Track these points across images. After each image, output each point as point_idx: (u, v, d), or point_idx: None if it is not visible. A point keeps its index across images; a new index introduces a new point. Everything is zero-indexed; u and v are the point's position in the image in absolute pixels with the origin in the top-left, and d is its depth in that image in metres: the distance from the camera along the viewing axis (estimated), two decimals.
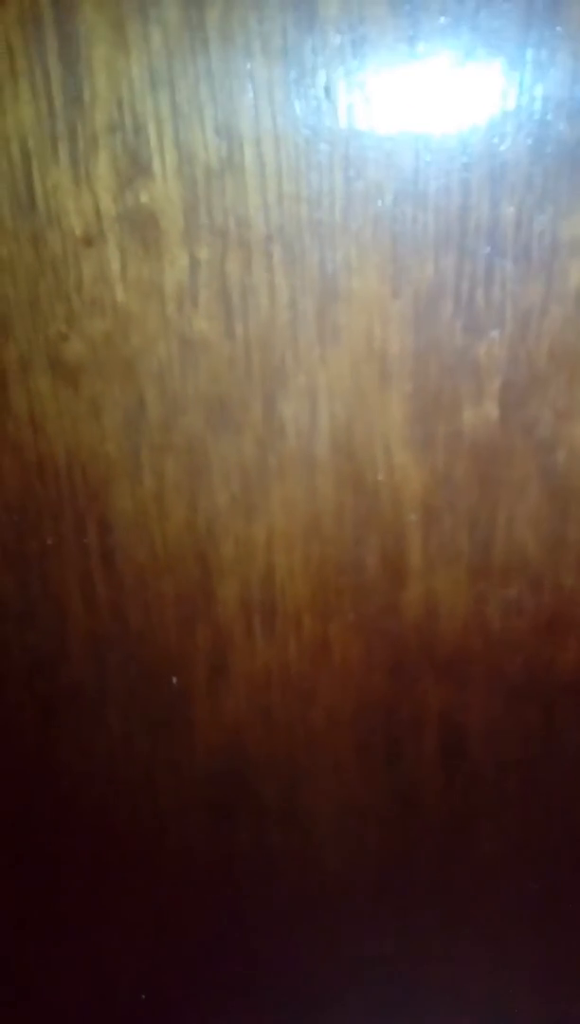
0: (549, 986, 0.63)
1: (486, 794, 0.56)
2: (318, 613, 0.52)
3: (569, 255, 0.42)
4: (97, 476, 0.50)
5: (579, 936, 0.61)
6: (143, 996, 0.67)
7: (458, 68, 0.39)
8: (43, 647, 0.55)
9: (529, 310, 0.43)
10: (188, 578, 0.52)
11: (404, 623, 0.52)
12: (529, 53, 0.38)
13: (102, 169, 0.42)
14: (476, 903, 0.60)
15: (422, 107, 0.40)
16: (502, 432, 0.46)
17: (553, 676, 0.53)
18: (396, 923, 0.62)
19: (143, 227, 0.43)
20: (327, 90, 0.40)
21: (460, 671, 0.53)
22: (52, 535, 0.51)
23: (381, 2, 0.38)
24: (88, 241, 0.44)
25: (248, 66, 0.40)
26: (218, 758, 0.57)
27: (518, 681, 0.53)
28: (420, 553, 0.50)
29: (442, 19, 0.38)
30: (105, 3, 0.40)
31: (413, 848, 0.59)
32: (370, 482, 0.48)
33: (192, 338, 0.45)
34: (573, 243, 0.42)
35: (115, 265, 0.44)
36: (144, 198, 0.42)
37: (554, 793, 0.56)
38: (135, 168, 0.42)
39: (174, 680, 0.55)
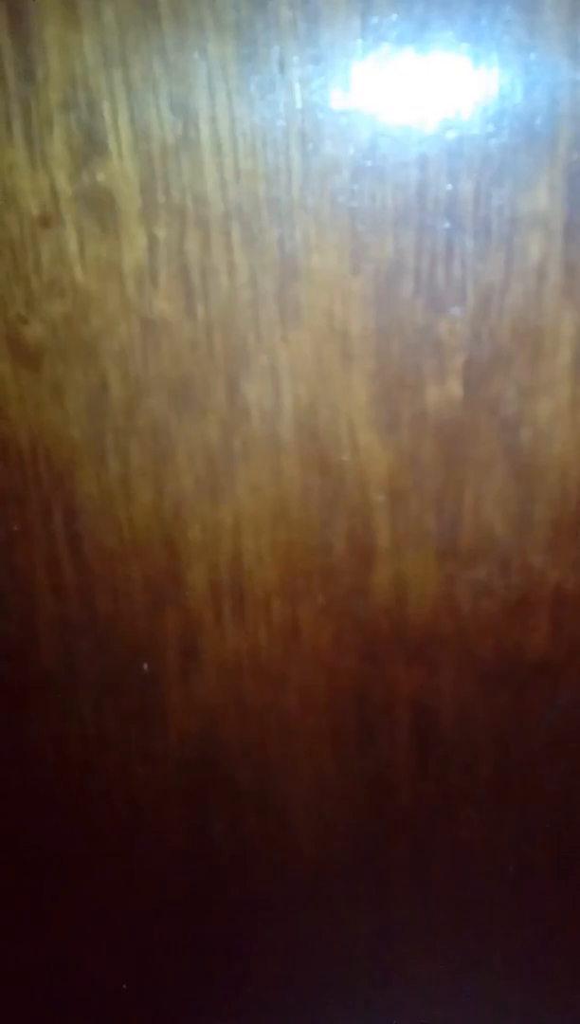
0: (529, 969, 0.63)
1: (460, 777, 0.56)
2: (287, 596, 0.52)
3: (529, 229, 0.42)
4: (61, 461, 0.49)
5: (557, 917, 0.61)
6: (124, 986, 0.67)
7: (412, 41, 0.39)
8: (11, 635, 0.54)
9: (490, 286, 0.43)
10: (156, 563, 0.52)
11: (373, 606, 0.52)
12: (484, 24, 0.38)
13: (57, 148, 0.42)
14: (453, 886, 0.60)
15: (377, 81, 0.39)
16: (466, 411, 0.46)
17: (524, 657, 0.52)
18: (374, 907, 0.61)
19: (100, 206, 0.43)
20: (281, 65, 0.39)
21: (431, 654, 0.53)
22: (17, 521, 0.51)
23: None
24: (45, 221, 0.43)
25: (201, 42, 0.39)
26: (191, 745, 0.57)
27: (489, 663, 0.53)
28: (388, 535, 0.50)
29: None
30: None
31: (389, 832, 0.59)
32: (335, 463, 0.48)
33: (153, 319, 0.45)
34: (532, 217, 0.41)
35: (73, 246, 0.44)
36: (100, 177, 0.42)
37: (528, 775, 0.55)
38: (90, 146, 0.42)
39: (145, 666, 0.55)
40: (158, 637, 0.54)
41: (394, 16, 0.38)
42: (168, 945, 0.65)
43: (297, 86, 0.40)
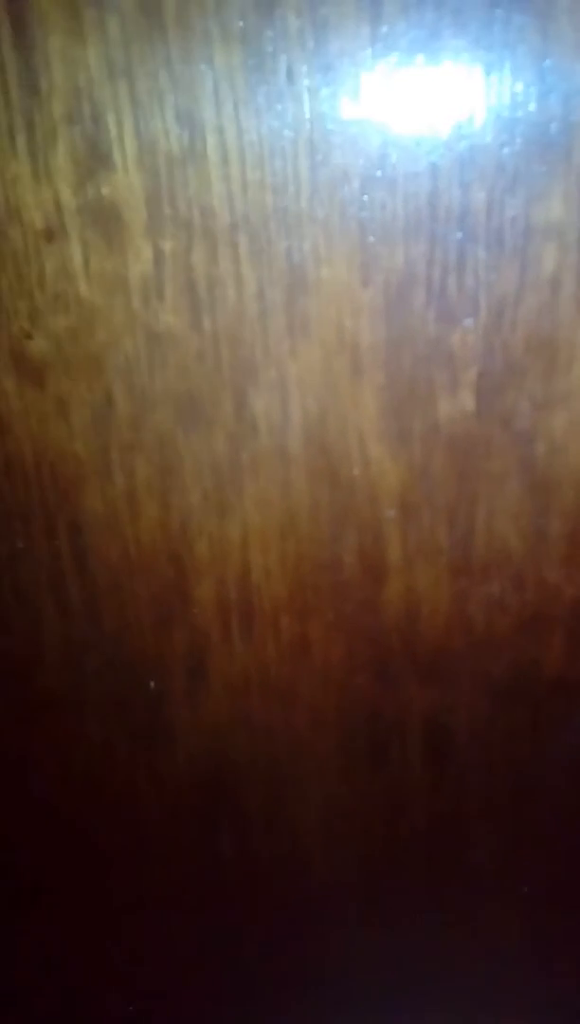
0: (540, 987, 0.62)
1: (473, 796, 0.55)
2: (296, 613, 0.51)
3: (543, 240, 0.41)
4: (66, 476, 0.48)
5: (570, 936, 0.60)
6: (130, 1008, 0.66)
7: (423, 49, 0.38)
8: (17, 653, 0.53)
9: (503, 297, 0.42)
10: (162, 579, 0.51)
11: (385, 622, 0.51)
12: (496, 31, 0.37)
13: (61, 161, 0.41)
14: (465, 906, 0.59)
15: (387, 90, 0.39)
16: (479, 424, 0.45)
17: (539, 674, 0.51)
18: (385, 927, 0.60)
19: (105, 219, 0.42)
20: (289, 75, 0.39)
21: (444, 670, 0.52)
22: (22, 538, 0.50)
23: None
24: (49, 235, 0.43)
25: (207, 52, 0.39)
26: (199, 763, 0.56)
27: (503, 680, 0.52)
28: (399, 550, 0.49)
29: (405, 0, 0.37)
30: None
31: (400, 851, 0.57)
32: (345, 477, 0.47)
33: (159, 332, 0.44)
34: (546, 227, 0.41)
35: (78, 259, 0.43)
36: (105, 190, 0.41)
37: (542, 794, 0.54)
38: (95, 159, 0.41)
39: (152, 684, 0.54)
40: (165, 654, 0.53)
41: (405, 24, 0.37)
42: (175, 964, 0.63)
43: (305, 96, 0.39)
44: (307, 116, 0.39)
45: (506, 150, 0.39)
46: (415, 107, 0.39)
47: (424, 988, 0.62)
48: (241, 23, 0.38)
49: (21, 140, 0.41)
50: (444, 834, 0.56)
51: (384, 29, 0.38)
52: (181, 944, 0.62)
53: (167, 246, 0.42)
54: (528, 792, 0.54)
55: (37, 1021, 0.67)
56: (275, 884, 0.59)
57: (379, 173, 0.40)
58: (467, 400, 0.44)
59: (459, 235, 0.41)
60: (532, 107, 0.39)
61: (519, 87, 0.38)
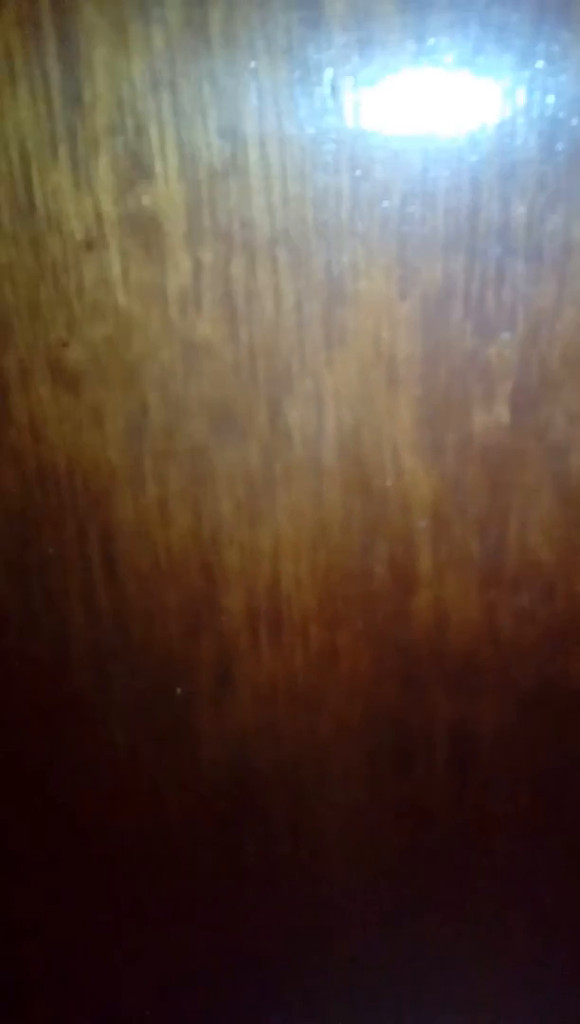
0: (564, 1001, 0.62)
1: (498, 807, 0.55)
2: (325, 622, 0.51)
3: None
4: (99, 484, 0.49)
5: None
6: (147, 1012, 0.66)
7: (467, 65, 0.38)
8: (45, 658, 0.53)
9: (541, 312, 0.42)
10: (192, 587, 0.51)
11: (413, 632, 0.51)
12: (540, 48, 0.38)
13: (103, 171, 0.41)
14: (488, 917, 0.59)
15: (430, 105, 0.39)
16: (513, 436, 0.45)
17: (567, 685, 0.51)
18: (407, 938, 0.60)
19: (145, 230, 0.42)
20: (333, 89, 0.39)
21: (471, 681, 0.52)
22: (53, 544, 0.50)
23: None
24: (89, 245, 0.43)
25: (252, 65, 0.39)
26: (224, 770, 0.56)
27: (530, 691, 0.52)
28: (430, 560, 0.49)
29: (450, 15, 0.37)
30: (106, 4, 0.39)
31: (424, 861, 0.58)
32: (378, 488, 0.47)
33: (196, 343, 0.44)
34: None
35: (116, 269, 0.43)
36: (146, 201, 0.42)
37: (568, 805, 0.54)
38: (136, 170, 0.41)
39: (178, 691, 0.54)
40: (192, 661, 0.53)
41: (449, 40, 0.38)
42: (195, 971, 0.64)
43: (349, 110, 0.39)
44: (350, 130, 0.39)
45: (547, 166, 0.39)
46: (457, 122, 0.39)
47: (444, 998, 0.62)
48: (286, 37, 0.38)
49: (63, 150, 0.41)
50: (467, 843, 0.56)
51: (429, 44, 0.38)
52: (201, 948, 0.63)
53: (206, 257, 0.42)
54: (553, 803, 0.54)
55: (46, 1021, 0.67)
56: (297, 890, 0.59)
57: (420, 187, 0.40)
58: (502, 412, 0.45)
59: (498, 249, 0.41)
60: (574, 124, 0.39)
61: (562, 103, 0.38)
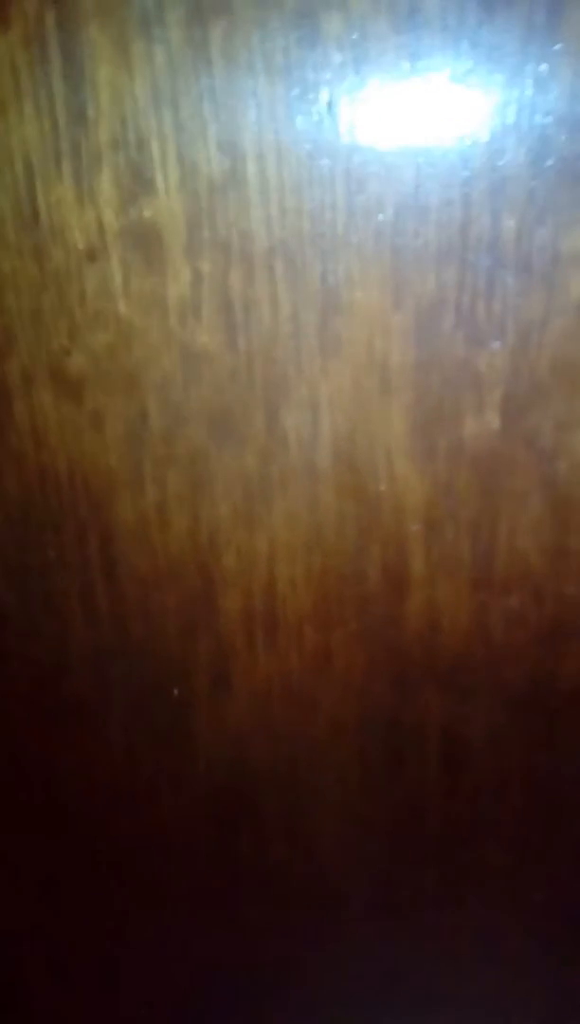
0: (555, 998, 0.63)
1: (490, 806, 0.56)
2: (320, 624, 0.52)
3: (570, 267, 0.42)
4: (99, 488, 0.50)
5: None
6: (144, 1012, 0.67)
7: (459, 83, 0.39)
8: (45, 660, 0.54)
9: (530, 322, 0.43)
10: (190, 589, 0.52)
11: (406, 634, 0.52)
12: (529, 68, 0.39)
13: (105, 185, 0.42)
14: (480, 915, 0.60)
15: (423, 122, 0.40)
16: (503, 443, 0.46)
17: (556, 687, 0.53)
18: (401, 935, 0.61)
19: (146, 241, 0.43)
20: (329, 106, 0.40)
21: (462, 682, 0.53)
22: (54, 547, 0.51)
23: (383, 20, 0.39)
24: (91, 255, 0.44)
25: (251, 83, 0.40)
26: (220, 770, 0.57)
27: (521, 692, 0.53)
28: (422, 563, 0.50)
29: (443, 35, 0.39)
30: (109, 23, 0.40)
31: (416, 859, 0.59)
32: (372, 493, 0.48)
33: (195, 350, 0.46)
34: (574, 256, 0.42)
35: (118, 279, 0.44)
36: (147, 213, 0.43)
37: (558, 804, 0.55)
38: (138, 184, 0.42)
39: (176, 692, 0.55)
40: (190, 662, 0.54)
41: (442, 60, 0.39)
42: (188, 966, 0.64)
43: (344, 126, 0.40)
44: (345, 146, 0.41)
45: (536, 181, 0.41)
46: (449, 139, 0.40)
47: (436, 995, 0.63)
48: (284, 56, 0.39)
49: (67, 164, 0.42)
50: (460, 842, 0.58)
51: (422, 64, 0.39)
52: (195, 947, 0.63)
53: (205, 268, 0.44)
54: (543, 801, 0.56)
55: (47, 1022, 0.67)
56: (292, 889, 0.60)
57: (413, 201, 0.42)
58: (492, 420, 0.46)
59: (489, 261, 0.42)
60: (562, 140, 0.40)
61: (550, 120, 0.40)
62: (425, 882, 0.59)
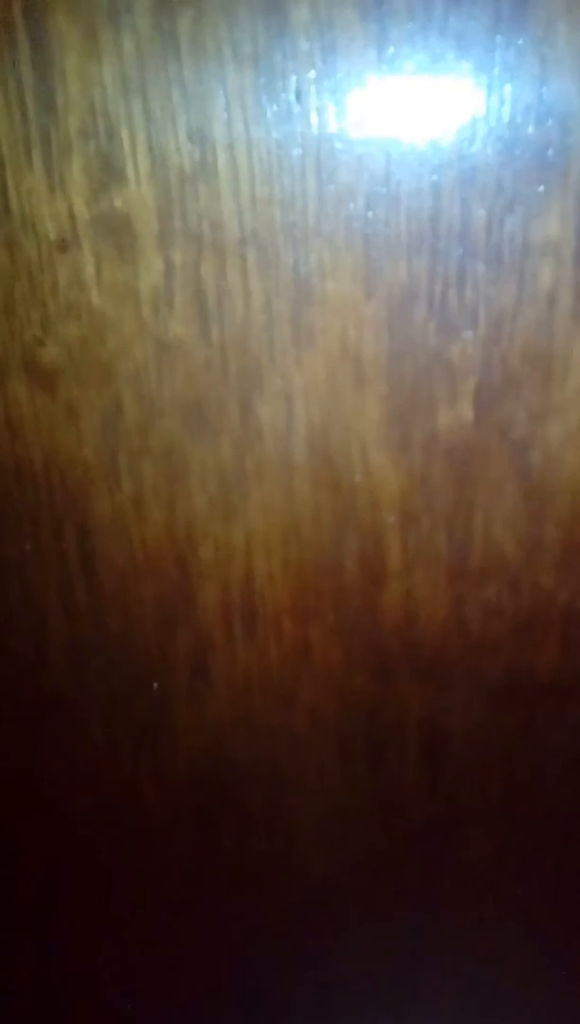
0: (536, 988, 0.63)
1: (469, 797, 0.56)
2: (298, 616, 0.52)
3: (540, 256, 0.42)
4: (75, 481, 0.50)
5: (565, 938, 0.61)
6: (129, 1006, 0.67)
7: (427, 72, 0.39)
8: (22, 654, 0.54)
9: (502, 311, 0.44)
10: (168, 582, 0.52)
11: (384, 625, 0.52)
12: (497, 56, 0.39)
13: (76, 174, 0.42)
14: (461, 906, 0.60)
15: (392, 111, 0.40)
16: (477, 433, 0.46)
17: (533, 677, 0.53)
18: (382, 928, 0.61)
19: (117, 231, 0.43)
20: (298, 95, 0.40)
21: (441, 673, 0.53)
22: (30, 541, 0.51)
23: (350, 8, 0.39)
24: (63, 246, 0.44)
25: (219, 72, 0.40)
26: (201, 763, 0.57)
27: (499, 683, 0.53)
28: (399, 555, 0.50)
29: (410, 24, 0.39)
30: (77, 11, 0.40)
31: (397, 851, 0.59)
32: (347, 484, 0.48)
33: (168, 341, 0.45)
34: (544, 244, 0.42)
35: (90, 269, 0.44)
36: (118, 203, 0.43)
37: (537, 794, 0.56)
38: (109, 173, 0.42)
39: (155, 685, 0.55)
40: (169, 656, 0.54)
41: (410, 48, 0.39)
42: (173, 960, 0.64)
43: (314, 115, 0.40)
44: (315, 135, 0.41)
45: (506, 170, 0.41)
46: (418, 127, 0.40)
47: (420, 988, 0.63)
48: (252, 45, 0.39)
49: (37, 154, 0.42)
50: (440, 834, 0.58)
51: (390, 52, 0.39)
52: (179, 941, 0.63)
53: (177, 258, 0.44)
54: (523, 792, 0.56)
55: (33, 1018, 0.67)
56: (274, 882, 0.60)
57: (383, 190, 0.42)
58: (466, 410, 0.46)
59: (459, 251, 0.42)
60: (531, 129, 0.40)
61: (518, 110, 0.40)
62: (406, 873, 0.59)
